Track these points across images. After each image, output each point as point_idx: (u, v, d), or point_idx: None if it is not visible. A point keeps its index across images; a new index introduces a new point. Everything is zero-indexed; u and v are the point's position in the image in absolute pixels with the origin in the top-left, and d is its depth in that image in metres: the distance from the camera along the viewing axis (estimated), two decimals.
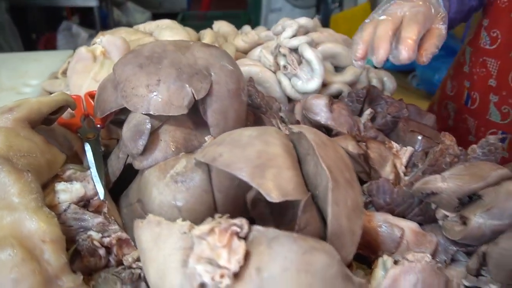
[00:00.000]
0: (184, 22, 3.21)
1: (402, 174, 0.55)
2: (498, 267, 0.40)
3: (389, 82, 0.84)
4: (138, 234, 0.36)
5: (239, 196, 0.46)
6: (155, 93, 0.46)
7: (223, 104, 0.51)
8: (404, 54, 0.54)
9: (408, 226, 0.47)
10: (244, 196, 0.46)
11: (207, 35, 0.77)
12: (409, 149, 0.57)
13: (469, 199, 0.45)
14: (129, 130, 0.48)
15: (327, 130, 0.63)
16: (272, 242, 0.31)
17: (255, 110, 0.65)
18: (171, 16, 1.22)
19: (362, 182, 0.52)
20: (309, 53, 0.68)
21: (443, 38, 0.60)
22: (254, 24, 3.46)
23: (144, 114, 0.47)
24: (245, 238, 0.32)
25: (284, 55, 0.72)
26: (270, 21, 3.41)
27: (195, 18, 3.51)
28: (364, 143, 0.54)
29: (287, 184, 0.37)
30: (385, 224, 0.47)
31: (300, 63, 0.71)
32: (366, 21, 0.60)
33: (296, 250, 0.31)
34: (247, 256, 0.31)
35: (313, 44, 0.75)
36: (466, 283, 0.43)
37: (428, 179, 0.48)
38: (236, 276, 0.30)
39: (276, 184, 0.36)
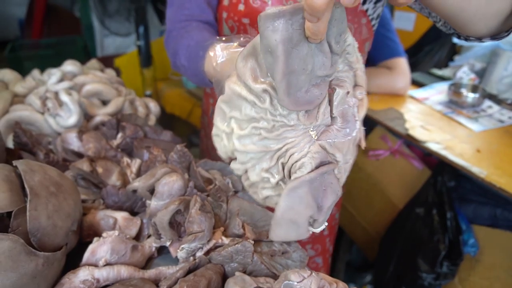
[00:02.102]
0: (15, 52, 3.09)
1: (131, 180, 0.77)
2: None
3: (153, 106, 1.08)
4: None
5: None
6: None
7: None
8: None
9: (121, 215, 0.69)
10: None
11: None
12: (137, 161, 0.80)
13: None
14: None
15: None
16: None
17: (22, 147, 0.81)
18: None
19: None
20: (64, 97, 0.86)
21: None
22: (91, 49, 3.51)
23: None
24: None
25: (50, 98, 0.90)
26: (106, 46, 3.51)
27: (28, 48, 3.40)
28: (94, 162, 0.75)
29: (1, 203, 0.55)
30: (104, 217, 0.68)
31: (61, 104, 0.89)
32: None
33: None
34: None
35: (77, 87, 0.95)
36: (155, 244, 0.66)
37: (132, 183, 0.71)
38: None
39: None
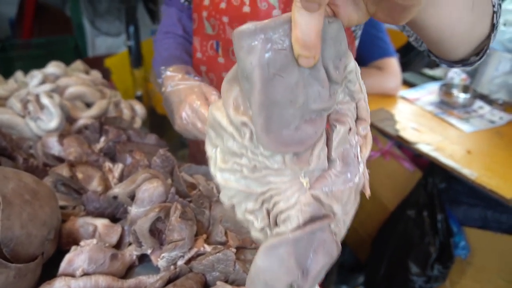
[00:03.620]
0: (5, 52, 3.05)
1: (113, 185, 0.75)
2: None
3: (139, 109, 1.06)
4: None
5: None
6: None
7: None
8: None
9: (101, 222, 0.67)
10: None
11: None
12: (120, 166, 0.78)
13: None
14: None
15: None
16: None
17: (1, 152, 0.79)
18: None
19: None
20: (45, 100, 0.84)
21: None
22: (82, 49, 3.47)
23: None
24: None
25: (31, 101, 0.88)
26: (98, 46, 3.47)
27: (19, 47, 3.35)
28: (74, 167, 0.72)
29: None
30: (84, 224, 0.66)
31: (42, 107, 0.87)
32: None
33: None
34: None
35: (59, 89, 0.92)
36: (135, 252, 0.64)
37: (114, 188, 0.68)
38: None
39: None
